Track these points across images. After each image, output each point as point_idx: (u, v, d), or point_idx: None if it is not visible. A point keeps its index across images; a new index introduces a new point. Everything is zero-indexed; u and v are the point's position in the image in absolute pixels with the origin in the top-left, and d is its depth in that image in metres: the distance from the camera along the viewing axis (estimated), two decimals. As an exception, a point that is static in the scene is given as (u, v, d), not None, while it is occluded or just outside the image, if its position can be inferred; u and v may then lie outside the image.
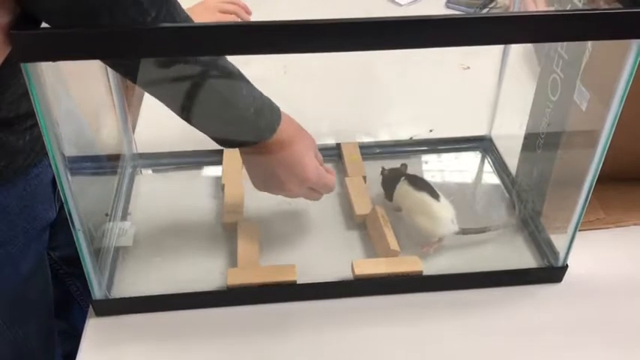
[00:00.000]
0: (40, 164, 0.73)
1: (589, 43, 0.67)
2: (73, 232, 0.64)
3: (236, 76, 0.64)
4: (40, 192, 0.74)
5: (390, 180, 0.83)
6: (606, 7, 0.60)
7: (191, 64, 0.60)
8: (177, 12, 0.56)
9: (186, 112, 0.64)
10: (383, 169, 0.85)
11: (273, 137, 0.68)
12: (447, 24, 0.54)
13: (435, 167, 0.95)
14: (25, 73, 0.52)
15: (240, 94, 0.64)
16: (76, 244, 0.65)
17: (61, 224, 0.66)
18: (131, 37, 0.52)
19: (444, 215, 0.78)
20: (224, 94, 0.63)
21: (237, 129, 0.67)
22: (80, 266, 0.67)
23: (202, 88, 0.61)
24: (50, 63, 0.53)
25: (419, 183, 0.81)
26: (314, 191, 0.75)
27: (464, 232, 0.79)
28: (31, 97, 0.54)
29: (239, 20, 1.29)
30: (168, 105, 0.64)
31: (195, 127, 0.66)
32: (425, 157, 0.96)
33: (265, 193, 0.74)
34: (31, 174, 0.72)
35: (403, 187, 0.81)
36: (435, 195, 0.79)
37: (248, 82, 0.65)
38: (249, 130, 0.67)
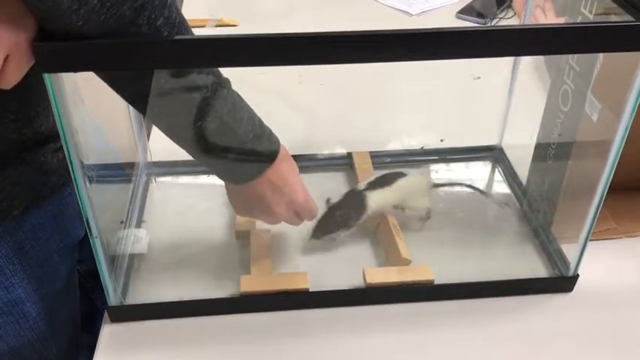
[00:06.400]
0: (72, 182, 0.74)
1: (600, 55, 0.68)
2: (90, 239, 0.65)
3: (238, 101, 0.64)
4: (72, 210, 0.74)
5: (353, 202, 0.80)
6: (617, 18, 0.61)
7: (192, 90, 0.60)
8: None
9: (184, 138, 0.64)
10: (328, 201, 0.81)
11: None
12: (458, 36, 0.55)
13: (445, 176, 0.96)
14: (46, 83, 0.53)
15: (241, 121, 0.64)
16: (93, 251, 0.66)
17: (86, 238, 0.66)
18: (149, 49, 0.53)
19: (425, 184, 0.84)
20: (224, 118, 0.62)
21: (235, 157, 0.66)
22: None
23: (203, 112, 0.61)
24: (70, 73, 0.54)
25: (381, 181, 0.82)
26: (297, 216, 0.74)
27: (435, 185, 0.87)
28: (52, 106, 0.55)
29: None
30: (172, 137, 0.65)
31: (194, 155, 0.66)
32: (435, 167, 0.97)
33: None
34: (65, 193, 0.73)
35: (375, 194, 0.80)
36: (403, 175, 0.82)
37: (250, 108, 0.65)
38: (249, 159, 0.66)
